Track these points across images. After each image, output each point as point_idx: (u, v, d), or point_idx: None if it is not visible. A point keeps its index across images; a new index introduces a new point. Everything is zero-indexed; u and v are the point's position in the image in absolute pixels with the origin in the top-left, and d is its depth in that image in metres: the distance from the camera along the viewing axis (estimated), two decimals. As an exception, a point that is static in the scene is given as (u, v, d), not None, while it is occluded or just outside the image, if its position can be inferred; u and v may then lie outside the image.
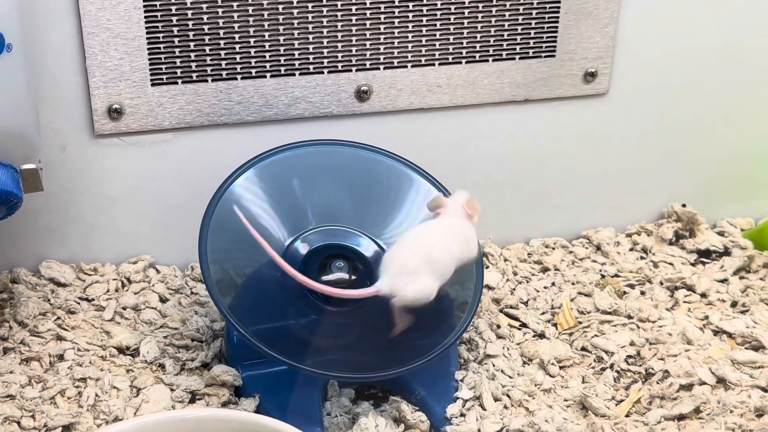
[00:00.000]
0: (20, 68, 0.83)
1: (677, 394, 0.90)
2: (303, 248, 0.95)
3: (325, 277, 0.93)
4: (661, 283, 1.10)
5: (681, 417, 0.88)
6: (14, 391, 0.87)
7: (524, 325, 1.03)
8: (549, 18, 1.07)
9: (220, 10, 0.98)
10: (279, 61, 1.02)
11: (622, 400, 0.92)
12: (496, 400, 0.91)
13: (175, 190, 1.06)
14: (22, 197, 0.87)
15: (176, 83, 1.00)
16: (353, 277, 0.93)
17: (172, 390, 0.90)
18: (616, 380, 0.95)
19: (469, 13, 1.04)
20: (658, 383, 0.93)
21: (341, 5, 1.01)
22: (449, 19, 1.04)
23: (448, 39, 1.05)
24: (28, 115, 0.86)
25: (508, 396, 0.92)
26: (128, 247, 1.08)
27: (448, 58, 1.06)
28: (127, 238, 1.07)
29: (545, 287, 1.10)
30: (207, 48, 0.99)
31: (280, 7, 0.99)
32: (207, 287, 0.88)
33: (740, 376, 0.92)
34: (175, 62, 0.99)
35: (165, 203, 1.06)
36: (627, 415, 0.90)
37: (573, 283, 1.10)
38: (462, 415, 0.90)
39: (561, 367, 0.97)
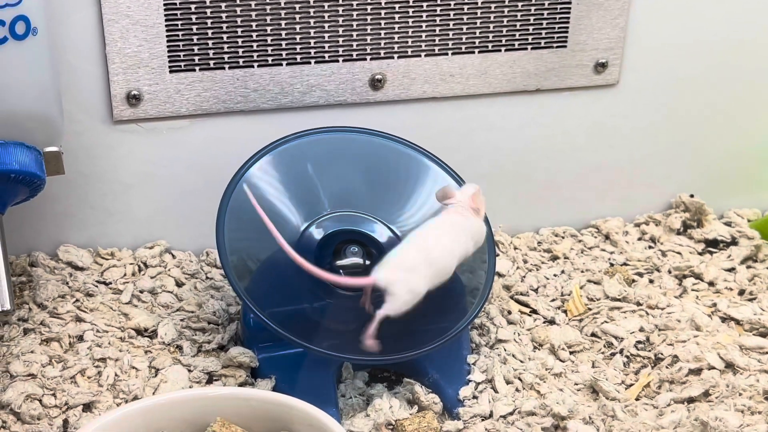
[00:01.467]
0: (45, 52, 0.85)
1: (686, 378, 0.92)
2: (318, 234, 0.96)
3: (339, 262, 0.94)
4: (670, 272, 1.12)
5: (690, 400, 0.89)
6: (35, 370, 0.89)
7: (534, 311, 1.05)
8: (561, 8, 1.08)
9: (237, -1, 0.99)
10: (295, 49, 1.03)
11: (631, 385, 0.94)
12: (507, 383, 0.93)
13: (191, 176, 1.07)
14: (45, 179, 0.88)
15: (194, 70, 1.01)
16: (367, 262, 0.94)
17: (189, 371, 0.92)
18: (625, 365, 0.97)
19: (482, 2, 1.06)
20: (667, 368, 0.94)
21: (357, -6, 1.02)
22: (463, 8, 1.06)
23: (462, 28, 1.07)
24: (52, 98, 0.87)
25: (519, 379, 0.93)
26: (144, 233, 1.10)
27: (461, 48, 1.08)
28: (143, 223, 1.09)
29: (555, 275, 1.11)
30: (224, 36, 1.00)
31: (297, -5, 1.01)
32: (224, 270, 0.90)
33: (748, 361, 0.93)
34: (193, 49, 1.00)
35: (181, 189, 1.08)
36: (637, 399, 0.91)
37: (582, 271, 1.12)
38: (474, 397, 0.91)
39: (571, 353, 0.98)
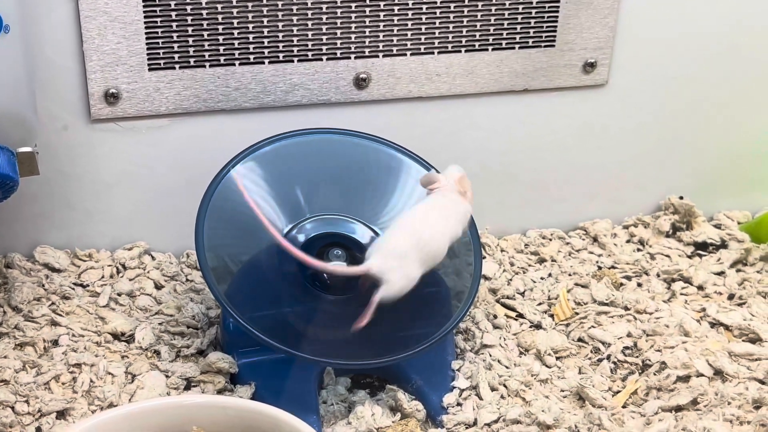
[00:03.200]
0: (17, 50, 0.83)
1: (674, 386, 0.90)
2: (300, 237, 0.94)
3: (322, 266, 0.93)
4: (658, 275, 1.10)
5: (678, 408, 0.88)
6: (8, 376, 0.87)
7: (521, 315, 1.03)
8: (549, 7, 1.06)
9: (218, -5, 0.97)
10: (277, 47, 1.01)
11: (618, 391, 0.92)
12: (492, 389, 0.91)
13: (171, 176, 1.05)
14: (18, 180, 0.86)
15: (174, 68, 0.99)
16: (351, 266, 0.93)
17: (167, 377, 0.90)
18: (612, 371, 0.95)
19: (469, 1, 1.04)
20: (655, 375, 0.93)
21: (341, -8, 1.00)
22: (449, 7, 1.04)
23: (448, 27, 1.05)
24: (25, 97, 0.85)
25: (504, 386, 0.92)
26: (123, 234, 1.07)
27: (447, 47, 1.06)
28: (122, 224, 1.07)
29: (542, 278, 1.10)
30: (205, 33, 0.98)
31: (280, -8, 0.99)
32: (203, 274, 0.88)
33: (738, 368, 0.92)
34: (172, 47, 0.98)
35: (161, 190, 1.06)
36: (624, 406, 0.90)
37: (570, 275, 1.10)
38: (459, 404, 0.90)
39: (558, 358, 0.97)
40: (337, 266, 0.89)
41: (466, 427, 0.87)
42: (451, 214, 0.90)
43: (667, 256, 1.14)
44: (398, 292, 0.86)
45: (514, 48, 1.08)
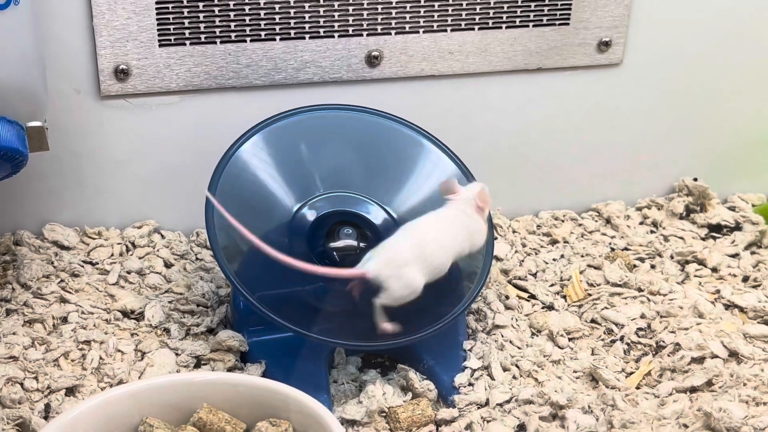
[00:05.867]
0: (27, 22, 0.82)
1: (689, 367, 0.89)
2: (311, 215, 0.93)
3: (332, 244, 0.92)
4: (672, 257, 1.09)
5: (693, 389, 0.87)
6: (17, 353, 0.86)
7: (533, 296, 1.02)
8: (564, -15, 1.05)
9: (230, -30, 0.96)
10: (289, 23, 1.00)
11: (632, 373, 0.91)
12: (504, 370, 0.90)
13: (181, 154, 1.04)
14: (28, 155, 0.85)
15: (184, 44, 0.98)
16: (362, 245, 0.92)
17: (177, 354, 0.89)
18: (626, 353, 0.94)
19: (483, -22, 1.03)
20: (669, 356, 0.92)
21: (353, -32, 0.99)
22: (463, -16, 1.03)
23: (461, 4, 1.03)
24: (35, 70, 0.84)
25: (517, 366, 0.91)
26: (133, 212, 1.07)
27: (460, 24, 1.04)
28: (131, 202, 1.06)
29: (554, 259, 1.09)
30: (216, 9, 0.97)
31: (292, -32, 0.97)
32: (213, 252, 0.87)
33: (753, 350, 0.91)
34: (183, 23, 0.97)
35: (171, 167, 1.05)
36: (637, 387, 0.89)
37: (582, 256, 1.09)
38: (470, 384, 0.89)
39: (570, 339, 0.96)
40: (329, 269, 0.86)
41: (478, 407, 0.86)
42: (460, 230, 0.88)
43: (681, 238, 1.13)
44: (399, 300, 0.84)
45: (528, 26, 1.06)
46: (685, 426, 0.81)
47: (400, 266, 0.84)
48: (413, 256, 0.84)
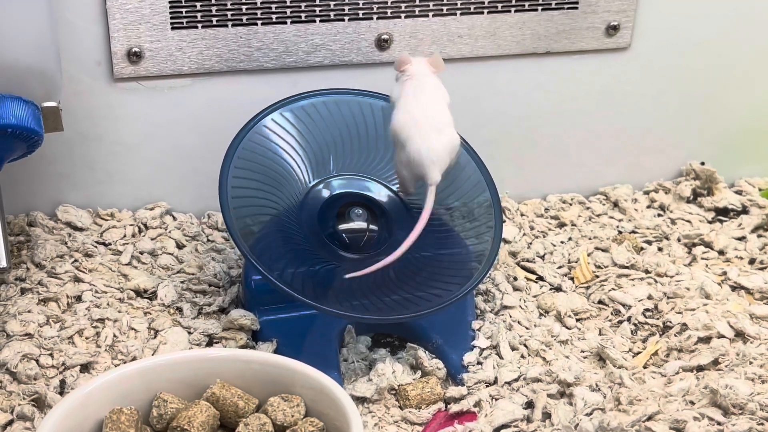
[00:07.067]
0: (43, 3, 0.82)
1: (695, 347, 0.90)
2: (325, 193, 0.94)
3: (342, 225, 0.93)
4: (679, 240, 1.10)
5: (699, 368, 0.88)
6: (32, 330, 0.87)
7: (541, 278, 1.03)
8: (573, -32, 1.06)
9: (241, -46, 0.97)
10: (299, 6, 1.01)
11: (639, 353, 0.92)
12: (513, 349, 0.91)
13: (193, 136, 1.05)
14: (43, 135, 0.86)
15: (196, 27, 0.99)
16: (372, 226, 0.93)
17: (189, 333, 0.90)
18: (633, 333, 0.95)
19: (492, -39, 1.03)
20: (675, 336, 0.92)
21: (364, -49, 1.00)
22: (472, -33, 1.03)
23: (471, -12, 1.04)
24: (50, 51, 0.85)
25: (525, 345, 0.92)
26: (144, 194, 1.08)
27: (470, 8, 1.05)
28: (143, 184, 1.07)
29: (562, 242, 1.09)
30: (228, -8, 0.98)
31: (302, -49, 0.98)
32: (228, 229, 0.88)
33: (759, 330, 0.92)
34: (195, 5, 0.98)
35: (182, 150, 1.06)
36: (644, 367, 0.90)
37: (590, 239, 1.10)
38: (479, 363, 0.90)
39: (578, 320, 0.97)
40: (420, 224, 0.87)
41: (487, 385, 0.87)
42: (436, 86, 0.91)
43: (688, 221, 1.14)
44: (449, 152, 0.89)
45: (536, 10, 1.07)
46: (692, 403, 0.82)
47: (413, 126, 0.88)
48: (420, 117, 0.88)
